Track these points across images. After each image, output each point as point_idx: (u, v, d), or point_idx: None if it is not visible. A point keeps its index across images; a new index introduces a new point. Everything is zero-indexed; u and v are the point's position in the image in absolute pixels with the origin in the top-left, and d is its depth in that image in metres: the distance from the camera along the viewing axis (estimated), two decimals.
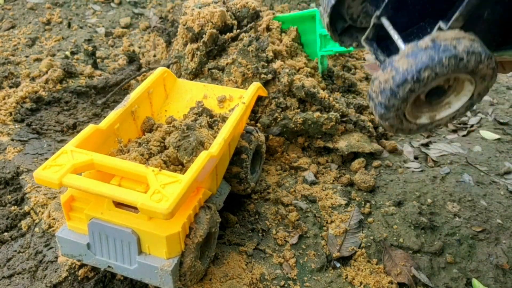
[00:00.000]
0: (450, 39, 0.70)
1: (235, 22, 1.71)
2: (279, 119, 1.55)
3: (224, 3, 1.77)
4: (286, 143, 1.61)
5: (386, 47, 1.02)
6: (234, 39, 1.69)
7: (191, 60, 1.70)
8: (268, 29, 1.74)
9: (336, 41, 1.08)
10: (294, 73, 1.56)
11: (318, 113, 1.53)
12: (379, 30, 0.98)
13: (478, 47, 0.70)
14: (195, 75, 1.71)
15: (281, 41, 1.73)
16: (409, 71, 0.71)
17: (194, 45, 1.69)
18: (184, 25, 1.72)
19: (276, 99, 1.56)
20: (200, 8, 1.71)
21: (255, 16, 1.72)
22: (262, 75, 1.55)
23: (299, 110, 1.56)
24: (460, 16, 0.75)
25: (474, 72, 0.74)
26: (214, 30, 1.65)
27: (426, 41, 0.71)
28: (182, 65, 1.75)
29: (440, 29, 0.79)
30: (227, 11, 1.72)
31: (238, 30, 1.69)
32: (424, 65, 0.70)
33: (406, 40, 0.89)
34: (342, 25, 1.06)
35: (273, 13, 1.79)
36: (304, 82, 1.54)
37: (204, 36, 1.66)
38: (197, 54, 1.68)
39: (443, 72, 0.71)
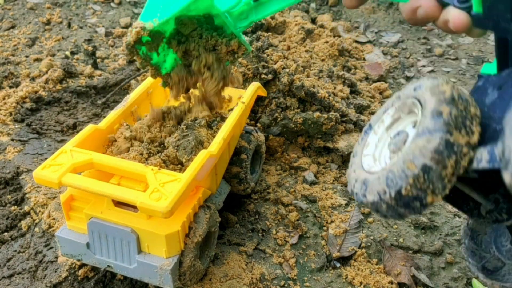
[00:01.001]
0: None
1: None
2: (279, 119, 1.55)
3: None
4: (286, 143, 1.61)
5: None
6: None
7: None
8: (268, 29, 1.74)
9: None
10: (294, 73, 1.55)
11: (318, 113, 1.53)
12: None
13: None
14: None
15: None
16: None
17: None
18: None
19: (276, 99, 1.56)
20: None
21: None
22: (263, 75, 1.55)
23: (299, 110, 1.56)
24: None
25: None
26: None
27: None
28: None
29: None
30: None
31: None
32: None
33: None
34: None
35: None
36: (304, 81, 1.54)
37: None
38: None
39: None
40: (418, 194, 0.51)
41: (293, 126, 1.55)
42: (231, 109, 1.17)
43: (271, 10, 1.15)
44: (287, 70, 1.56)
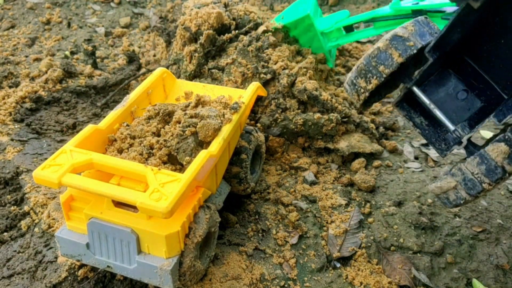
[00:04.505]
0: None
1: (233, 22, 1.71)
2: (279, 119, 1.55)
3: (225, 6, 1.77)
4: (286, 144, 1.60)
5: (417, 103, 1.12)
6: (232, 39, 1.69)
7: (190, 63, 1.71)
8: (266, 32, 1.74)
9: (363, 109, 1.23)
10: (295, 74, 1.55)
11: (318, 114, 1.53)
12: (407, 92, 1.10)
13: None
14: (194, 77, 1.71)
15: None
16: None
17: (192, 47, 1.69)
18: (182, 25, 1.72)
19: (276, 100, 1.55)
20: (199, 8, 1.71)
21: (255, 27, 1.73)
22: (262, 75, 1.55)
23: (299, 111, 1.56)
24: None
25: None
26: (211, 31, 1.65)
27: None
28: (181, 68, 1.75)
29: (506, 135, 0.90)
30: (227, 14, 1.72)
31: (236, 31, 1.69)
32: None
33: (432, 91, 1.06)
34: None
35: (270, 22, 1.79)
36: (306, 85, 1.53)
37: (201, 37, 1.66)
38: (195, 56, 1.68)
39: None
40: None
41: (293, 127, 1.54)
42: (233, 108, 1.17)
43: (355, 38, 1.74)
44: (286, 71, 1.55)
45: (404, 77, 1.08)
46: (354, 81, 1.10)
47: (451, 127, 1.01)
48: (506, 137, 0.87)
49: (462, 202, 0.93)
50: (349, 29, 1.73)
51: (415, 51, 1.02)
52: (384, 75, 1.04)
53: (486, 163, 0.88)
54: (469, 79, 1.05)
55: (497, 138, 0.88)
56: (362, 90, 1.10)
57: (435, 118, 1.06)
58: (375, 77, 1.06)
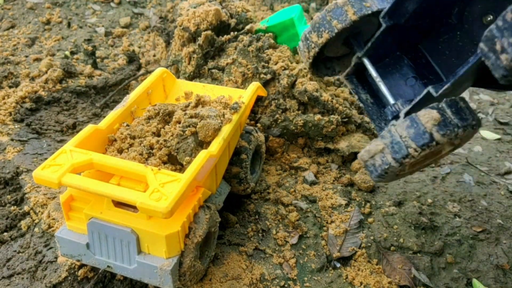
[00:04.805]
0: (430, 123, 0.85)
1: (231, 19, 1.71)
2: (279, 120, 1.55)
3: (221, 3, 1.77)
4: (286, 144, 1.60)
5: (365, 81, 1.16)
6: (231, 40, 1.69)
7: (189, 64, 1.71)
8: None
9: (312, 72, 1.23)
10: (294, 75, 1.55)
11: (319, 116, 1.53)
12: (358, 65, 1.11)
13: (456, 124, 0.85)
14: (194, 78, 1.71)
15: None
16: (408, 145, 0.86)
17: (190, 49, 1.69)
18: (180, 26, 1.72)
19: (276, 101, 1.55)
20: (195, 7, 1.71)
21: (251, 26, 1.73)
22: (262, 75, 1.55)
23: (299, 111, 1.56)
24: (451, 86, 0.89)
25: (456, 143, 0.89)
26: (209, 32, 1.66)
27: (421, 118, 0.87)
28: (180, 69, 1.75)
29: (429, 93, 0.91)
30: (223, 9, 1.72)
31: (235, 33, 1.69)
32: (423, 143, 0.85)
33: (383, 71, 1.08)
34: (317, 57, 1.17)
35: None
36: (306, 86, 1.53)
37: (199, 38, 1.66)
38: (193, 57, 1.68)
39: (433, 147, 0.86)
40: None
41: (294, 128, 1.54)
42: (233, 108, 1.17)
43: None
44: (286, 72, 1.55)
45: (357, 45, 1.09)
46: (307, 35, 1.12)
47: (391, 100, 1.01)
48: (440, 106, 0.86)
49: (386, 167, 0.90)
50: None
51: (369, 12, 1.04)
52: (336, 30, 1.06)
53: (415, 127, 0.86)
54: (421, 68, 1.07)
55: (430, 105, 0.87)
56: (312, 45, 1.11)
57: (379, 95, 1.08)
58: (327, 31, 1.07)
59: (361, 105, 1.12)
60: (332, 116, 1.54)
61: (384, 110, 1.07)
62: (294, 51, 1.74)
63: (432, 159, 0.98)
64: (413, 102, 0.96)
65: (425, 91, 0.92)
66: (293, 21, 1.68)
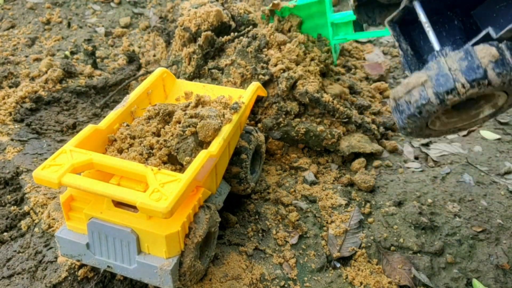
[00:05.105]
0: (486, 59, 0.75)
1: (232, 21, 1.71)
2: (282, 124, 1.54)
3: (222, 4, 1.77)
4: (286, 146, 1.60)
5: (408, 34, 1.04)
6: (231, 40, 1.69)
7: (189, 64, 1.71)
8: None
9: (354, 12, 1.10)
10: (294, 77, 1.54)
11: (321, 127, 1.52)
12: (406, 14, 0.98)
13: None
14: (194, 78, 1.70)
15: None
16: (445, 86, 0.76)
17: (190, 49, 1.69)
18: (181, 26, 1.72)
19: (277, 103, 1.55)
20: (196, 8, 1.71)
21: (253, 26, 1.73)
22: (260, 76, 1.55)
23: (302, 119, 1.55)
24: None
25: (506, 90, 0.79)
26: (209, 32, 1.65)
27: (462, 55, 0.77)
28: (180, 70, 1.75)
29: (488, 35, 0.82)
30: (224, 11, 1.72)
31: (235, 33, 1.69)
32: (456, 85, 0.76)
33: (433, 29, 0.92)
34: (364, 2, 1.05)
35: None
36: (307, 87, 1.52)
37: (199, 38, 1.66)
38: (193, 58, 1.68)
39: (477, 92, 0.76)
40: None
41: (295, 135, 1.54)
42: (233, 108, 1.17)
43: (364, 36, 1.71)
44: (285, 74, 1.54)
45: None
46: None
47: (437, 47, 0.92)
48: (500, 45, 0.79)
49: (424, 102, 0.80)
50: (358, 26, 1.67)
51: None
52: None
53: (469, 60, 0.78)
54: (470, 35, 0.97)
55: (489, 42, 0.80)
56: None
57: (420, 51, 0.99)
58: None
59: (400, 53, 1.01)
60: (335, 130, 1.54)
61: (426, 59, 0.96)
62: (319, 39, 1.70)
63: (468, 122, 0.89)
64: (468, 44, 0.86)
65: (483, 32, 0.83)
66: (325, 1, 1.63)
